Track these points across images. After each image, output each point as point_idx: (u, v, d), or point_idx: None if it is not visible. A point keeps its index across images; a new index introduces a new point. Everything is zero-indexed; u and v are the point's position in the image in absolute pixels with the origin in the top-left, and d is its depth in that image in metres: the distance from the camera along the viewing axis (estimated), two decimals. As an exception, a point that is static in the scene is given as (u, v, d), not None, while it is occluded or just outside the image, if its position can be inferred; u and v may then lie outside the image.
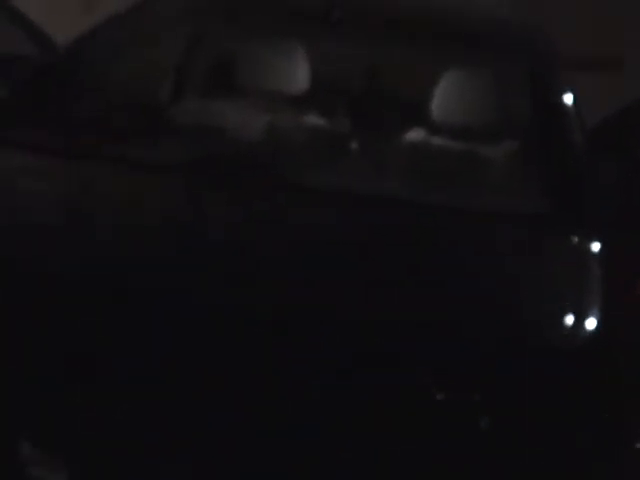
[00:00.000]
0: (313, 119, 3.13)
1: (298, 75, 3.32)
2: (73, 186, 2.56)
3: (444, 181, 2.80)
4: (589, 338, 2.10)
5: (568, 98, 3.04)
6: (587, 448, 1.96)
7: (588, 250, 2.43)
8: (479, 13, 3.49)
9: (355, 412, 1.91)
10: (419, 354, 1.96)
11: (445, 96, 3.22)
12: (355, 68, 3.94)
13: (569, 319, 2.15)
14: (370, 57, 3.99)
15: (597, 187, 2.72)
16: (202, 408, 1.91)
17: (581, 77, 3.73)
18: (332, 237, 2.33)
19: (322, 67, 3.40)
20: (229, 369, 1.93)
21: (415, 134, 3.14)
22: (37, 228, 2.30)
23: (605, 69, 7.26)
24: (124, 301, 2.01)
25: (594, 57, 7.22)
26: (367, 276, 2.15)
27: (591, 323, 2.12)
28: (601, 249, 2.42)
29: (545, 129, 3.01)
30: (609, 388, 2.03)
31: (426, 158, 3.04)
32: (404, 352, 1.96)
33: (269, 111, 3.07)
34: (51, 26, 5.95)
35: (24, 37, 4.92)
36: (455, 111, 3.19)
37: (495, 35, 3.38)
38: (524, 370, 1.96)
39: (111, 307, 2.00)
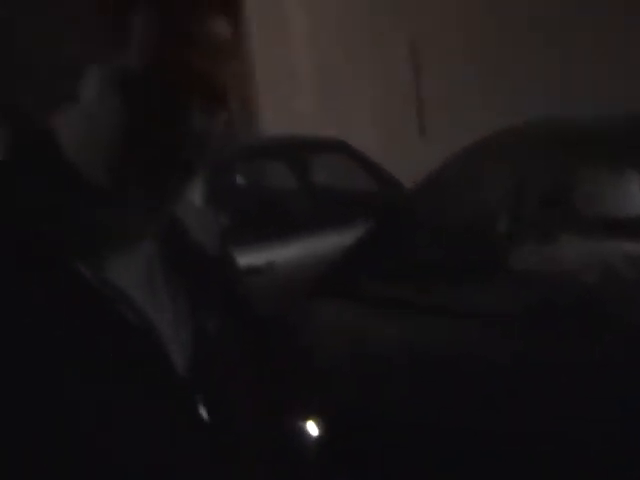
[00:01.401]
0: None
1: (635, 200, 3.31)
2: (412, 333, 2.74)
3: None
4: None
5: None
6: None
7: None
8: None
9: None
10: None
11: None
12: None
13: None
14: None
15: None
16: None
17: None
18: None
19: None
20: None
21: None
22: (386, 376, 2.50)
23: None
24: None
25: None
26: None
27: None
28: None
29: None
30: None
31: None
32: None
33: (602, 250, 3.08)
34: (387, 153, 6.39)
35: (365, 174, 5.32)
36: None
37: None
38: None
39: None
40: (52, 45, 1.02)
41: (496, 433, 2.24)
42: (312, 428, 2.34)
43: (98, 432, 0.96)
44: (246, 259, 4.27)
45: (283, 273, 4.29)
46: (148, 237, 1.06)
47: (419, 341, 2.65)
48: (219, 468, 1.06)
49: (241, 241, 4.39)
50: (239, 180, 5.24)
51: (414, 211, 3.58)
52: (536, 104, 5.62)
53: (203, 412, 1.04)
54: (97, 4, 0.99)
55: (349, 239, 3.80)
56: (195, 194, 4.22)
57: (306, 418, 2.35)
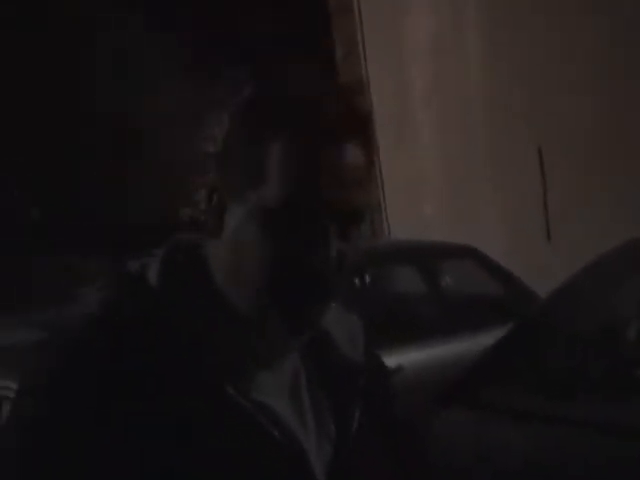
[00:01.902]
0: None
1: None
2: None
3: None
4: None
5: None
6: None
7: None
8: None
9: None
10: None
11: None
12: None
13: None
14: None
15: None
16: None
17: None
18: None
19: None
20: None
21: None
22: None
23: None
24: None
25: None
26: None
27: None
28: None
29: None
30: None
31: None
32: None
33: None
34: (513, 258, 6.38)
35: (494, 280, 5.34)
36: None
37: None
38: None
39: None
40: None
41: None
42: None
43: None
44: (376, 363, 4.33)
45: (411, 378, 4.33)
46: (293, 351, 1.11)
47: (551, 454, 2.65)
48: None
49: (371, 345, 4.46)
50: (369, 284, 5.33)
51: (546, 321, 3.59)
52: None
53: None
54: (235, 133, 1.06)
55: (478, 346, 3.83)
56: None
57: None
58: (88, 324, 1.04)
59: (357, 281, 5.16)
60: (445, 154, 8.58)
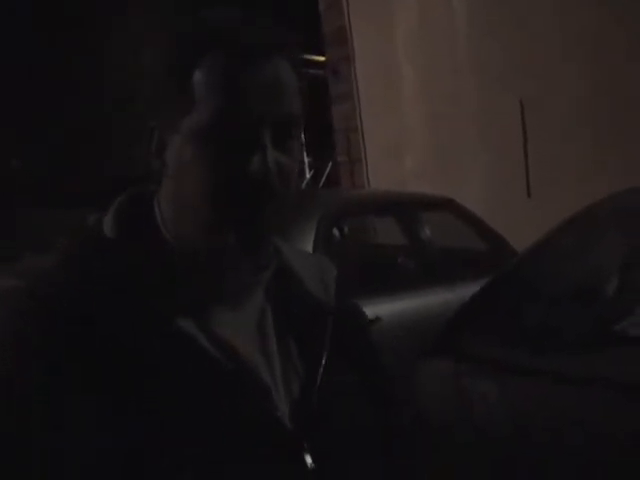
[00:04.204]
0: None
1: None
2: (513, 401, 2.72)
3: None
4: None
5: None
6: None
7: None
8: None
9: None
10: None
11: None
12: None
13: None
14: None
15: None
16: None
17: None
18: None
19: None
20: None
21: None
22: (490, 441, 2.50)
23: None
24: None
25: None
26: None
27: None
28: None
29: None
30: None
31: None
32: None
33: None
34: (492, 211, 6.38)
35: (472, 232, 5.33)
36: None
37: None
38: None
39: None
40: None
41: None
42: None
43: None
44: (353, 313, 4.31)
45: (389, 329, 4.31)
46: (257, 288, 1.11)
47: (529, 406, 2.63)
48: None
49: (348, 295, 4.43)
50: (347, 234, 5.30)
51: (524, 274, 3.57)
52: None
53: (308, 460, 1.08)
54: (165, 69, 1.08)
55: (457, 297, 3.81)
56: (306, 248, 4.29)
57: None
58: (46, 277, 1.05)
59: (336, 232, 5.13)
60: (429, 109, 8.53)
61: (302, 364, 1.13)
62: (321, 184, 12.61)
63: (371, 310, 4.39)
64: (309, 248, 4.32)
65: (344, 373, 1.20)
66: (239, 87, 1.03)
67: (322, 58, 9.85)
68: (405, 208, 5.28)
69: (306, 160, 12.48)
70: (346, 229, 5.46)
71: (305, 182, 12.33)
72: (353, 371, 1.24)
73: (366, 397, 1.28)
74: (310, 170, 12.98)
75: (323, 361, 1.14)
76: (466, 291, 3.64)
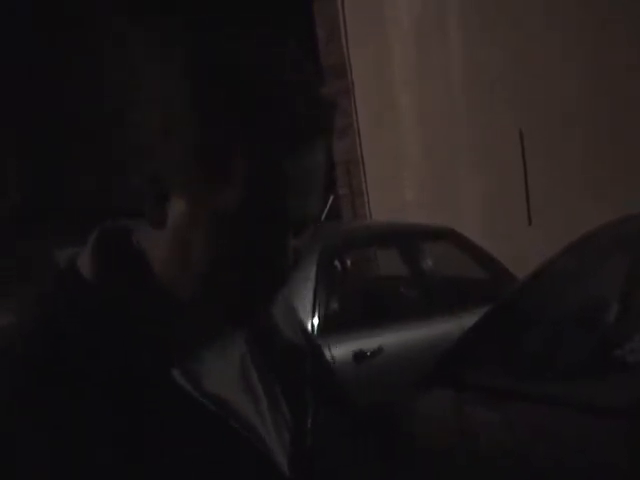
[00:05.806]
0: None
1: None
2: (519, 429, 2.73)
3: None
4: None
5: None
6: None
7: None
8: None
9: None
10: None
11: None
12: None
13: None
14: None
15: None
16: None
17: None
18: None
19: None
20: None
21: None
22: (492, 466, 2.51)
23: None
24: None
25: None
26: None
27: None
28: None
29: None
30: None
31: None
32: None
33: None
34: (494, 241, 6.40)
35: (474, 262, 5.35)
36: None
37: None
38: None
39: None
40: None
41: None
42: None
43: None
44: (356, 344, 4.34)
45: (392, 359, 4.33)
46: (240, 338, 1.08)
47: (530, 433, 2.65)
48: None
49: (351, 326, 4.46)
50: (349, 266, 5.34)
51: (525, 302, 3.60)
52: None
53: None
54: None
55: (459, 327, 3.84)
56: (308, 281, 4.33)
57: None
58: (24, 335, 0.98)
59: (338, 264, 5.17)
60: (427, 138, 8.58)
61: (289, 410, 1.10)
62: (323, 217, 12.61)
63: (374, 341, 4.41)
64: (311, 281, 4.35)
65: (330, 414, 1.20)
66: (280, 176, 0.95)
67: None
68: (406, 239, 5.32)
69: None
70: (348, 261, 5.49)
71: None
72: (328, 407, 1.24)
73: (353, 432, 1.28)
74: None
75: (310, 407, 1.12)
76: (468, 320, 3.67)
